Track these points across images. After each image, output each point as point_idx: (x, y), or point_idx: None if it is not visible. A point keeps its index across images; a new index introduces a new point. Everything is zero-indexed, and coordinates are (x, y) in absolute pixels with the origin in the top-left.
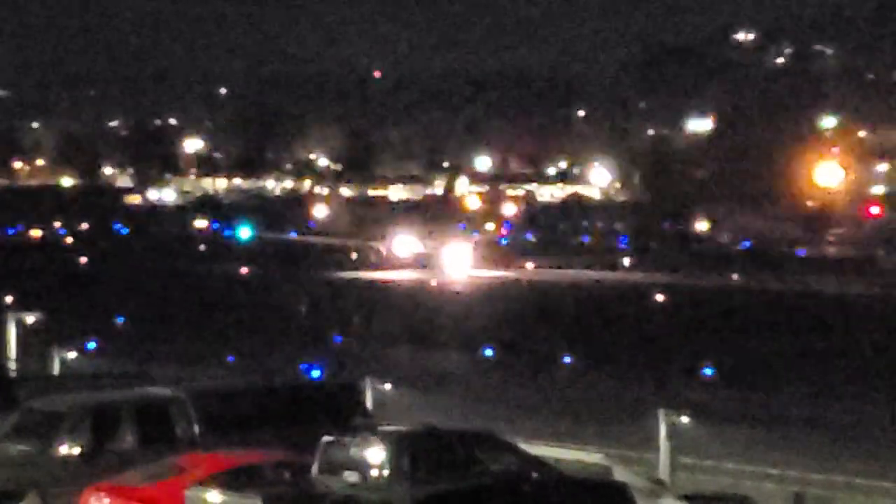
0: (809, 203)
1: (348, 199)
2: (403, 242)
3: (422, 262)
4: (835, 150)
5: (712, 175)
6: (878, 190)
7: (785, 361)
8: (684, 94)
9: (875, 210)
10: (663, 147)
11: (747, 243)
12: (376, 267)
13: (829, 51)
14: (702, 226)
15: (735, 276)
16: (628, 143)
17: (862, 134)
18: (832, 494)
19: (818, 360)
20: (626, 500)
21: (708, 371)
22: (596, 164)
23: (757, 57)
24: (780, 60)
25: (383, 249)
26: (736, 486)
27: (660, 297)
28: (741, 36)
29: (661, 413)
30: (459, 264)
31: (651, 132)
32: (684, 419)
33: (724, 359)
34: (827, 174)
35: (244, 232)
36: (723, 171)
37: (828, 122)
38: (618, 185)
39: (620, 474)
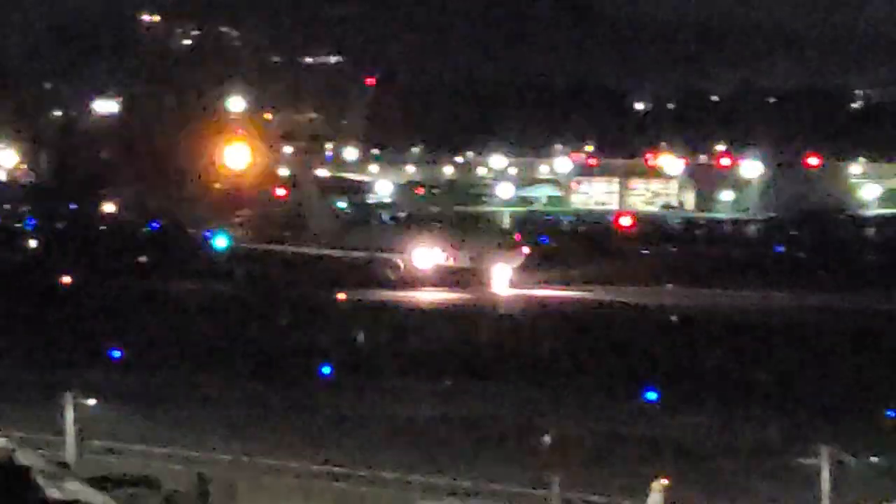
0: (217, 185)
1: None
2: (425, 254)
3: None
4: (241, 131)
5: (119, 156)
6: (284, 172)
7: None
8: (90, 76)
9: (281, 192)
10: (69, 129)
11: (155, 225)
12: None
13: (234, 33)
14: (109, 208)
15: (143, 259)
16: (34, 125)
17: (268, 116)
18: (236, 474)
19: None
20: (27, 482)
21: (116, 353)
22: (1, 145)
23: (163, 37)
24: (187, 42)
25: (401, 263)
26: (145, 467)
27: (67, 279)
28: (147, 17)
29: (68, 396)
30: (502, 280)
31: (58, 113)
32: (91, 402)
33: (132, 342)
34: (234, 156)
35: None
36: (130, 153)
37: (235, 103)
38: (24, 166)
39: (24, 457)
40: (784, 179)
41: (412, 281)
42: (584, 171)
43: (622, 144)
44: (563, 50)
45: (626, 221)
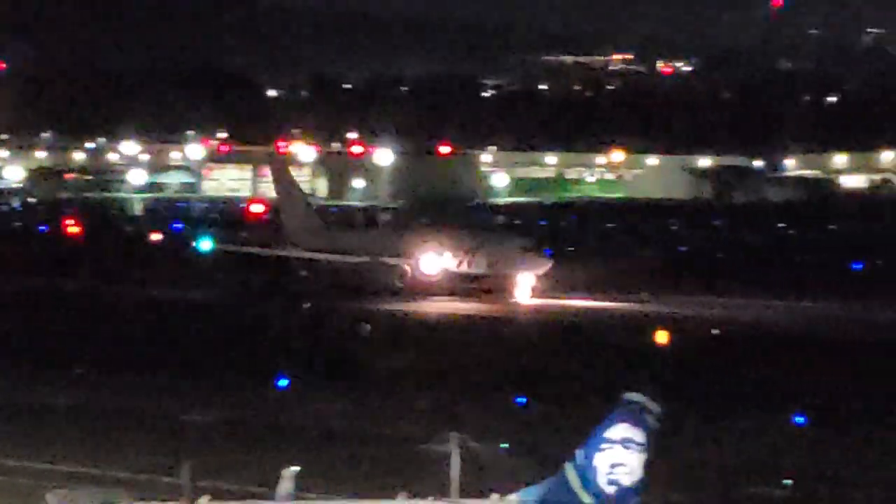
0: None
1: None
2: (433, 259)
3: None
4: None
5: None
6: None
7: None
8: None
9: None
10: None
11: None
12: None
13: None
14: None
15: None
16: None
17: None
18: None
19: None
20: None
21: None
22: None
23: None
24: None
25: (408, 268)
26: None
27: None
28: None
29: None
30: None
31: None
32: None
33: None
34: None
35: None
36: None
37: None
38: None
39: None
40: (416, 168)
41: (421, 288)
42: (217, 158)
43: (255, 131)
44: (196, 36)
45: (257, 208)
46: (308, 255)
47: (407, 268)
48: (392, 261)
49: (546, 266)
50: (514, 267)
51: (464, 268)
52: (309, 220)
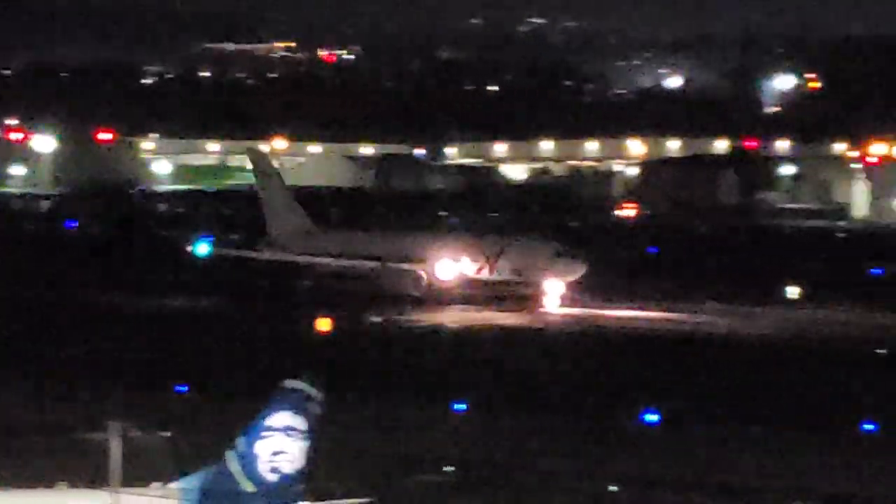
0: None
1: None
2: (450, 265)
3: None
4: None
5: None
6: None
7: None
8: None
9: None
10: None
11: None
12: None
13: None
14: None
15: None
16: None
17: None
18: None
19: None
20: None
21: None
22: None
23: None
24: None
25: (424, 274)
26: None
27: None
28: None
29: None
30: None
31: None
32: None
33: None
34: None
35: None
36: None
37: None
38: None
39: None
40: (77, 154)
41: (445, 298)
42: None
43: None
44: None
45: None
46: (302, 259)
47: (422, 274)
48: (405, 266)
49: (580, 271)
50: (542, 273)
51: (484, 274)
52: (299, 220)
